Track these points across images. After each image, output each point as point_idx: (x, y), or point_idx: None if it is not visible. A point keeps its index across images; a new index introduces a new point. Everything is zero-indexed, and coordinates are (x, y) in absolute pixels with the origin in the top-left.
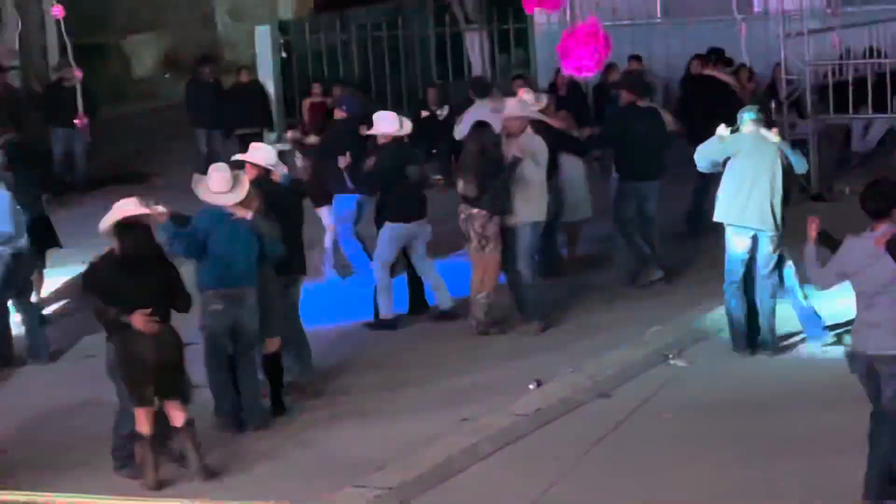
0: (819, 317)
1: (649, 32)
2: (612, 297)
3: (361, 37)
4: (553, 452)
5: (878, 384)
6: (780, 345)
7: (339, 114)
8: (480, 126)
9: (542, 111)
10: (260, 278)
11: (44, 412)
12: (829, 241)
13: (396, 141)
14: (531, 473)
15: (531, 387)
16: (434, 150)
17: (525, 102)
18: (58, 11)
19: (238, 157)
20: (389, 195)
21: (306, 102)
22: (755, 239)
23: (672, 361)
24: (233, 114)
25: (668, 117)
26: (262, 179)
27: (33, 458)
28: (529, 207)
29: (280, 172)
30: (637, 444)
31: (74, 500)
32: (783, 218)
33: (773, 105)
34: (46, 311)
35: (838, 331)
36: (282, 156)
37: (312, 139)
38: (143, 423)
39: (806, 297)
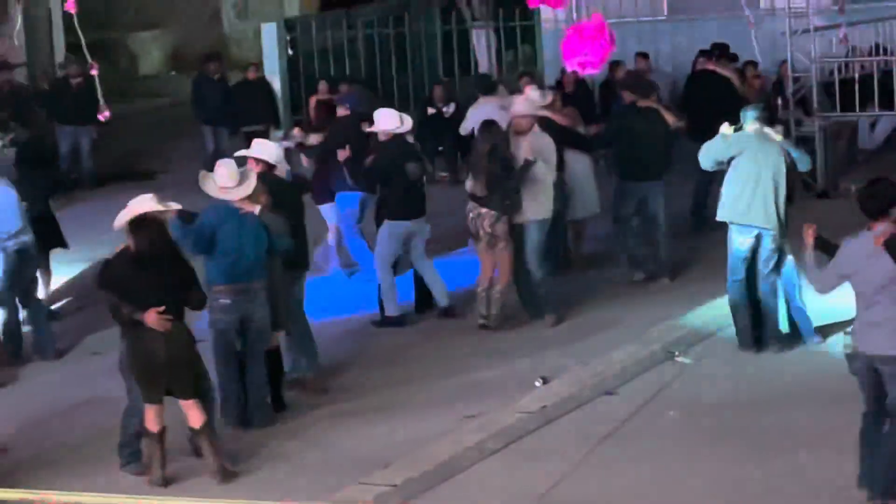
0: (809, 318)
1: (656, 30)
2: (618, 294)
3: (368, 34)
4: (558, 450)
5: (878, 384)
6: (784, 342)
7: (341, 111)
8: (489, 125)
9: (547, 107)
10: (268, 272)
11: (50, 409)
12: (827, 247)
13: (397, 138)
14: (537, 471)
15: (537, 384)
16: (440, 148)
17: (532, 100)
18: (71, 6)
19: (242, 153)
20: (389, 192)
21: (313, 100)
22: (758, 237)
23: (678, 359)
24: (239, 111)
25: (669, 117)
26: (266, 175)
27: (39, 455)
28: (537, 205)
29: (284, 169)
30: (643, 441)
31: (78, 500)
32: (787, 216)
33: (779, 102)
34: (53, 307)
35: (837, 333)
36: (287, 153)
37: (313, 139)
38: (151, 420)
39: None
